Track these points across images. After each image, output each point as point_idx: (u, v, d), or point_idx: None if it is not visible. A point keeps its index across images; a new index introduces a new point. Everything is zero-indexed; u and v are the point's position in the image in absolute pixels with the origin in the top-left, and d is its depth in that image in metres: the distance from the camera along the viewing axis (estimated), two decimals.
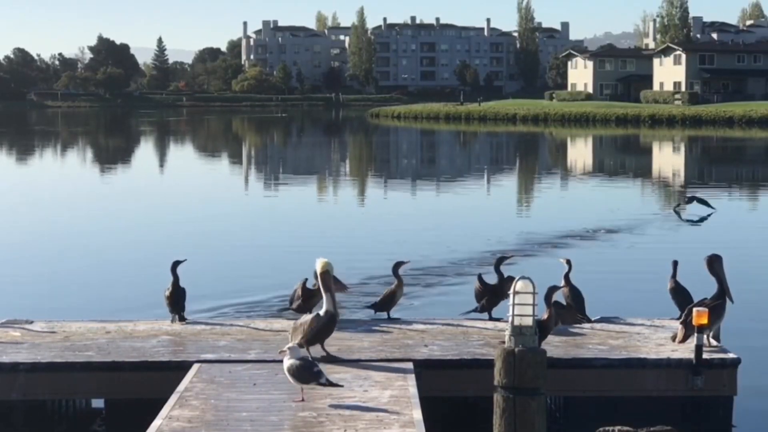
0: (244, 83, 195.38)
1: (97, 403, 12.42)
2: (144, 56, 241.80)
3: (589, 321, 13.04)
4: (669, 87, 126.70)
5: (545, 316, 11.16)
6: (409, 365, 11.19)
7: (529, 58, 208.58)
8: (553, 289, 11.69)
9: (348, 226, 30.42)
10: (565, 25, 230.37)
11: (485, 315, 13.49)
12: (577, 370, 11.45)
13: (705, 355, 11.26)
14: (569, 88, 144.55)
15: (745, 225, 30.87)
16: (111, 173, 53.51)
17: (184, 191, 41.94)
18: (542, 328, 10.53)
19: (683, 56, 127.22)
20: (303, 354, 10.31)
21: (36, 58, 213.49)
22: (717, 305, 11.64)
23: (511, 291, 8.93)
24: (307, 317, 11.37)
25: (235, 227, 29.70)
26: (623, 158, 65.30)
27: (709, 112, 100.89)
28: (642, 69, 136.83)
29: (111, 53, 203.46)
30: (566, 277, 13.19)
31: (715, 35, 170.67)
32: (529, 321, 8.75)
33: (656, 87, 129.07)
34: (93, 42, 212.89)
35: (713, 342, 11.82)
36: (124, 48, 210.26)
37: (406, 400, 9.95)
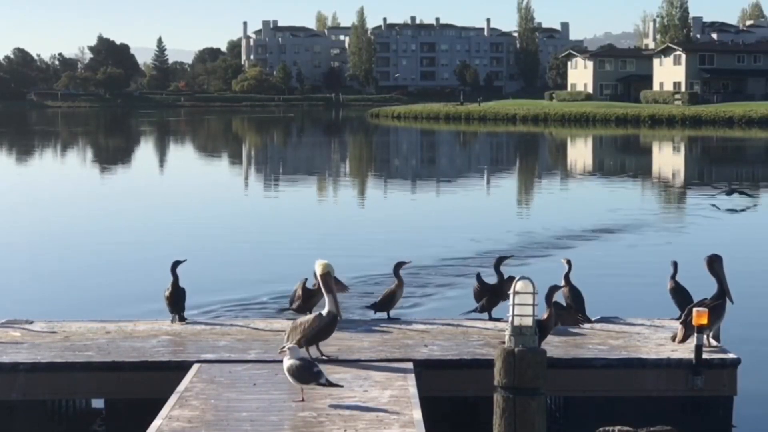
0: (244, 83, 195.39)
1: (97, 403, 12.42)
2: (144, 56, 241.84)
3: (589, 321, 13.04)
4: (669, 87, 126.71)
5: (545, 316, 11.16)
6: (409, 365, 11.18)
7: (529, 58, 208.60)
8: (554, 289, 11.68)
9: (348, 226, 30.42)
10: (565, 25, 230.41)
11: (485, 315, 13.49)
12: (577, 370, 11.45)
13: (705, 355, 11.25)
14: (569, 88, 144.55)
15: (745, 225, 30.87)
16: (111, 173, 53.52)
17: (184, 191, 41.95)
18: (542, 328, 10.53)
19: (683, 56, 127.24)
20: (302, 354, 10.31)
21: (36, 58, 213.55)
22: (717, 305, 11.64)
23: (511, 291, 8.93)
24: (308, 316, 11.37)
25: (235, 227, 29.71)
26: (623, 158, 65.31)
27: (709, 112, 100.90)
28: (642, 69, 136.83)
29: (111, 53, 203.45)
30: (566, 277, 13.18)
31: (715, 35, 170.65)
32: (529, 321, 8.75)
33: (656, 87, 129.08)
34: (93, 42, 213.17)
35: (713, 342, 11.82)
36: (124, 48, 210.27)
37: (406, 400, 9.95)
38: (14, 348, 11.93)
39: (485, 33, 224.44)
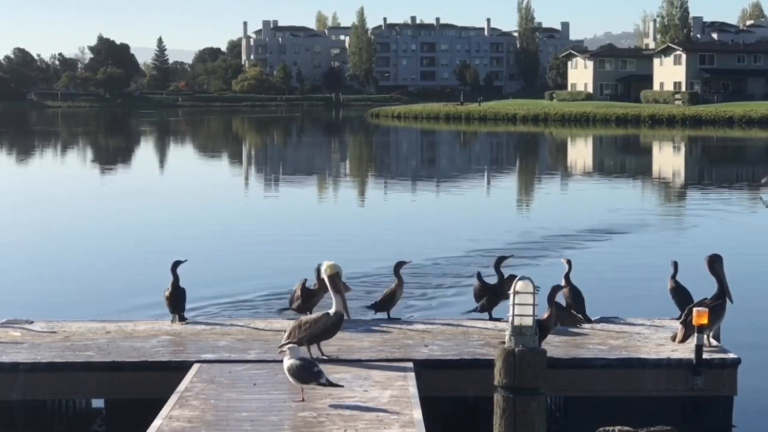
0: (244, 83, 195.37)
1: (97, 403, 12.42)
2: (144, 56, 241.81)
3: (589, 321, 13.03)
4: (669, 87, 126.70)
5: (546, 316, 11.16)
6: (409, 365, 11.19)
7: (529, 58, 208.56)
8: (556, 289, 11.67)
9: (347, 226, 30.42)
10: (565, 25, 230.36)
11: (485, 315, 13.49)
12: (577, 370, 11.45)
13: (705, 355, 11.26)
14: (569, 88, 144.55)
15: (745, 225, 30.87)
16: (111, 173, 53.52)
17: (184, 191, 41.95)
18: (542, 328, 10.53)
19: (683, 56, 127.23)
20: (303, 354, 10.31)
21: (36, 58, 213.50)
22: (717, 305, 11.64)
23: (511, 291, 8.93)
24: (314, 315, 11.36)
25: (234, 227, 29.71)
26: (623, 158, 65.31)
27: (709, 112, 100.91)
28: (642, 69, 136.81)
29: (111, 53, 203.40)
30: (566, 277, 13.18)
31: (715, 35, 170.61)
32: (529, 321, 8.75)
33: (656, 87, 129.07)
34: (93, 42, 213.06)
35: (713, 342, 11.82)
36: (124, 48, 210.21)
37: (406, 400, 9.95)
38: (14, 348, 11.93)
39: (485, 33, 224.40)
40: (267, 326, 13.07)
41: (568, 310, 12.73)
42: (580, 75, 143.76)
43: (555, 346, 11.73)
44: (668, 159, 64.57)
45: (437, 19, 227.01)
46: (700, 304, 11.62)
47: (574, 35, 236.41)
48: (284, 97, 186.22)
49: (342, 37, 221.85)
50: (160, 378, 11.12)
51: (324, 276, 11.32)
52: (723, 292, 11.74)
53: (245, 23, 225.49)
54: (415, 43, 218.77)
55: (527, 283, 8.93)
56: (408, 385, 10.46)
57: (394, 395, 10.11)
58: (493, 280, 13.51)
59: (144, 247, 25.54)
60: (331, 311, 11.09)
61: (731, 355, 11.51)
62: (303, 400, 9.86)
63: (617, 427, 8.73)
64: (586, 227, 28.53)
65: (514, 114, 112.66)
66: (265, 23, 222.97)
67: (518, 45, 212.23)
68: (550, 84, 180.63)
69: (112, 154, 72.23)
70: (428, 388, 10.79)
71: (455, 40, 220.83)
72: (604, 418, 9.99)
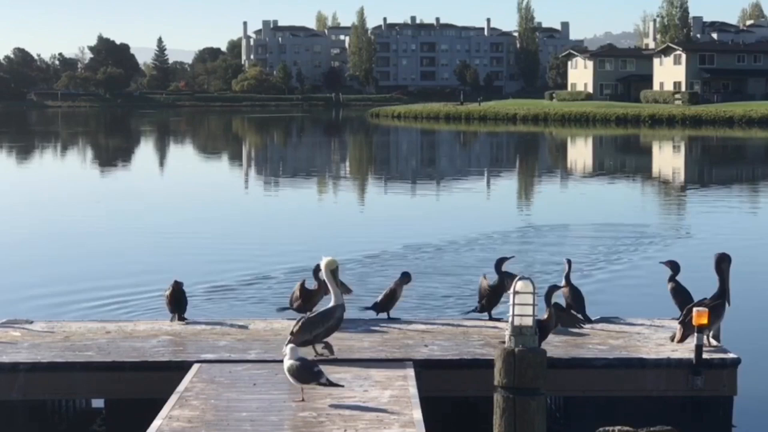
0: (244, 83, 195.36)
1: (97, 403, 12.43)
2: (144, 56, 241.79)
3: (589, 321, 13.03)
4: (669, 87, 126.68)
5: (545, 316, 11.16)
6: (409, 365, 11.19)
7: (529, 58, 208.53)
8: (553, 289, 11.70)
9: (347, 226, 30.42)
10: (565, 25, 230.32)
11: (485, 315, 13.49)
12: (577, 370, 11.45)
13: (705, 355, 11.25)
14: (569, 88, 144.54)
15: (745, 225, 30.86)
16: (111, 173, 53.52)
17: (184, 191, 41.95)
18: (542, 328, 10.53)
19: (683, 56, 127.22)
20: (302, 354, 10.32)
21: (36, 58, 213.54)
22: (717, 305, 11.63)
23: (511, 291, 8.93)
24: (318, 316, 11.33)
25: (234, 227, 29.72)
26: (623, 158, 65.32)
27: (709, 112, 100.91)
28: (642, 69, 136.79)
29: (111, 53, 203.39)
30: (566, 277, 13.18)
31: (715, 35, 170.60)
32: (529, 321, 8.74)
33: (656, 87, 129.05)
34: (93, 42, 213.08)
35: (713, 342, 11.82)
36: (124, 48, 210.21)
37: (406, 400, 9.95)
38: (14, 348, 11.93)
39: (485, 33, 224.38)
40: (267, 326, 13.07)
41: (568, 310, 12.72)
42: (580, 75, 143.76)
43: (555, 346, 11.73)
44: (668, 159, 64.57)
45: (437, 19, 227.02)
46: (700, 303, 11.62)
47: (574, 35, 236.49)
48: (297, 96, 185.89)
49: (342, 37, 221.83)
50: (160, 378, 11.12)
51: (322, 270, 11.35)
52: (723, 292, 11.73)
53: (245, 23, 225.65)
54: (415, 43, 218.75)
55: (527, 283, 8.92)
56: (408, 385, 10.46)
57: (394, 395, 10.11)
58: (494, 281, 13.50)
59: (144, 247, 25.53)
60: (332, 305, 11.14)
61: (731, 355, 11.51)
62: (303, 400, 9.87)
63: (617, 427, 8.72)
64: (586, 227, 28.51)
65: (514, 114, 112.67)
66: (265, 23, 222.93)
67: (518, 45, 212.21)
68: (550, 84, 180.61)
69: (112, 154, 72.23)
70: (428, 388, 10.79)
71: (455, 40, 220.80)
72: (604, 418, 9.99)
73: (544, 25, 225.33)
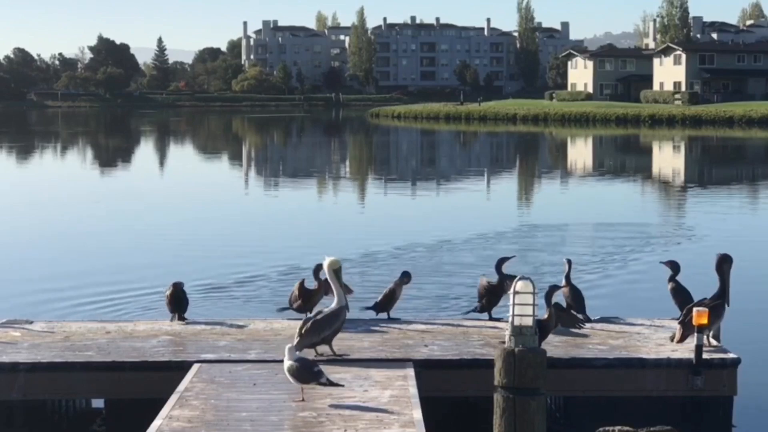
0: (244, 83, 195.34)
1: (97, 403, 12.42)
2: (144, 56, 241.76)
3: (589, 321, 13.03)
4: (669, 87, 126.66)
5: (546, 316, 11.16)
6: (409, 365, 11.19)
7: (529, 58, 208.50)
8: (553, 289, 11.70)
9: (347, 226, 30.42)
10: (565, 25, 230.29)
11: (485, 315, 13.49)
12: (577, 370, 11.45)
13: (705, 355, 11.25)
14: (569, 88, 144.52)
15: (744, 225, 30.86)
16: (111, 173, 53.52)
17: (184, 191, 41.95)
18: (542, 328, 10.53)
19: (683, 56, 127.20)
20: (302, 354, 10.33)
21: (36, 58, 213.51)
22: (716, 305, 11.63)
23: (511, 291, 8.93)
24: (325, 314, 11.30)
25: (234, 227, 29.72)
26: (623, 158, 65.32)
27: (709, 112, 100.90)
28: (642, 69, 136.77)
29: (111, 53, 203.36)
30: (567, 277, 13.19)
31: (715, 35, 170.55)
32: (529, 321, 8.75)
33: (656, 87, 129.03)
34: (93, 42, 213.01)
35: (713, 342, 11.82)
36: (124, 48, 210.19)
37: (406, 400, 9.95)
38: (14, 348, 11.93)
39: (485, 33, 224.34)
40: (267, 326, 13.07)
41: (568, 310, 12.72)
42: (580, 75, 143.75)
43: (555, 346, 11.73)
44: (668, 159, 64.57)
45: (437, 19, 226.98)
46: (700, 303, 11.62)
47: (574, 35, 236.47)
48: (301, 97, 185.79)
49: (342, 37, 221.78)
50: (160, 378, 11.12)
51: (325, 270, 11.35)
52: (723, 292, 11.73)
53: (245, 23, 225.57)
54: (415, 43, 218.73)
55: (527, 283, 8.93)
56: (408, 385, 10.46)
57: (394, 395, 10.11)
58: (494, 281, 13.49)
59: (144, 247, 25.54)
60: (335, 306, 11.17)
61: (731, 355, 11.51)
62: (303, 400, 9.87)
63: (617, 427, 8.72)
64: (586, 227, 28.51)
65: (514, 114, 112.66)
66: (265, 23, 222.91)
67: (518, 45, 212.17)
68: (550, 84, 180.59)
69: (112, 154, 72.23)
70: (428, 388, 10.79)
71: (455, 40, 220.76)
72: (604, 418, 9.98)
73: (544, 25, 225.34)
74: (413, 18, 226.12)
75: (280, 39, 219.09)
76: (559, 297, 12.49)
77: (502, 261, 13.54)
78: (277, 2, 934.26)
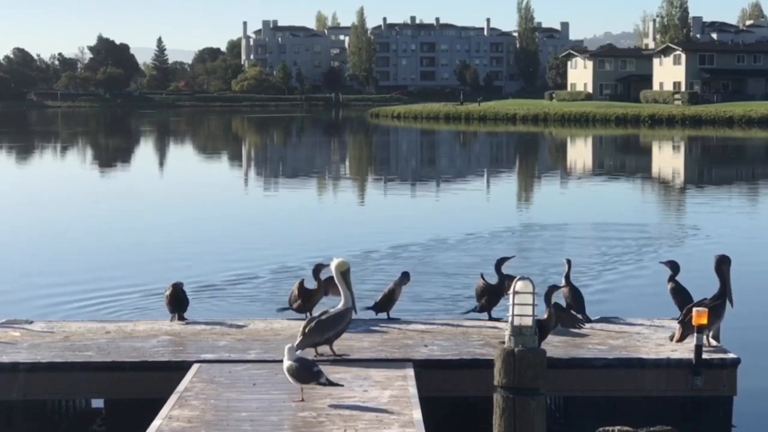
0: (244, 83, 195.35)
1: (97, 403, 12.42)
2: (144, 56, 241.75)
3: (589, 321, 13.03)
4: (669, 87, 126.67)
5: (545, 316, 11.16)
6: (409, 365, 11.19)
7: (529, 58, 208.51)
8: (553, 289, 11.69)
9: (346, 226, 30.42)
10: (565, 25, 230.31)
11: (485, 315, 13.49)
12: (577, 370, 11.45)
13: (705, 355, 11.25)
14: (569, 88, 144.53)
15: (744, 225, 30.85)
16: (111, 173, 53.52)
17: (184, 191, 41.95)
18: (542, 328, 10.53)
19: (683, 56, 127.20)
20: (301, 354, 10.33)
21: (36, 58, 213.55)
22: (716, 305, 11.63)
23: (511, 291, 8.93)
24: (331, 314, 11.30)
25: (234, 227, 29.72)
26: (623, 158, 65.31)
27: (709, 112, 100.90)
28: (642, 69, 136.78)
29: (111, 53, 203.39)
30: (566, 277, 13.18)
31: (715, 35, 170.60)
32: (529, 321, 8.75)
33: (656, 87, 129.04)
34: (93, 42, 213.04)
35: (713, 342, 11.82)
36: (124, 48, 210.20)
37: (405, 400, 9.95)
38: (14, 348, 11.93)
39: (485, 33, 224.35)
40: (267, 326, 13.07)
41: (568, 310, 12.72)
42: (580, 75, 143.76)
43: (555, 346, 11.73)
44: (668, 159, 64.57)
45: (437, 19, 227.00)
46: (700, 304, 11.62)
47: (573, 35, 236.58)
48: (304, 96, 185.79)
49: (342, 37, 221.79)
50: (159, 378, 11.12)
51: (333, 272, 11.34)
52: (723, 293, 11.73)
53: (245, 23, 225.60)
54: (414, 43, 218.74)
55: (527, 283, 8.92)
56: (408, 385, 10.46)
57: (393, 395, 10.11)
58: (493, 280, 13.50)
59: (144, 247, 25.54)
60: (340, 306, 11.18)
61: (731, 355, 11.51)
62: (303, 400, 9.87)
63: (617, 427, 8.72)
64: (586, 227, 28.50)
65: (513, 114, 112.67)
66: (265, 23, 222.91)
67: (518, 45, 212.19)
68: (550, 84, 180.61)
69: (112, 154, 72.23)
70: (428, 388, 10.79)
71: (455, 40, 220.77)
72: (604, 418, 9.99)
73: (544, 25, 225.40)
74: (413, 18, 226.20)
75: (279, 39, 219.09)
76: (559, 297, 12.48)
77: (501, 261, 13.54)
78: (277, 2, 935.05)
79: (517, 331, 8.71)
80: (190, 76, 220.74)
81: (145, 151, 75.64)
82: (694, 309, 11.29)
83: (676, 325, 12.23)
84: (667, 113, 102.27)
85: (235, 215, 32.88)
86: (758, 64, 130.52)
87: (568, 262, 13.38)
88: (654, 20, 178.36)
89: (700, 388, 11.29)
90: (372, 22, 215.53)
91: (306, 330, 11.16)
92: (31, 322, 13.22)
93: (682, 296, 12.76)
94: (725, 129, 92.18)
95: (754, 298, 18.58)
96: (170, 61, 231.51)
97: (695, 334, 11.21)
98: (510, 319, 8.80)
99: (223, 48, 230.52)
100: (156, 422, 9.30)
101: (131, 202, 36.87)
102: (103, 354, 11.68)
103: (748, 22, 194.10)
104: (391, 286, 13.65)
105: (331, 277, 12.99)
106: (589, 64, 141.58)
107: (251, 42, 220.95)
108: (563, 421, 12.05)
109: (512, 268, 13.58)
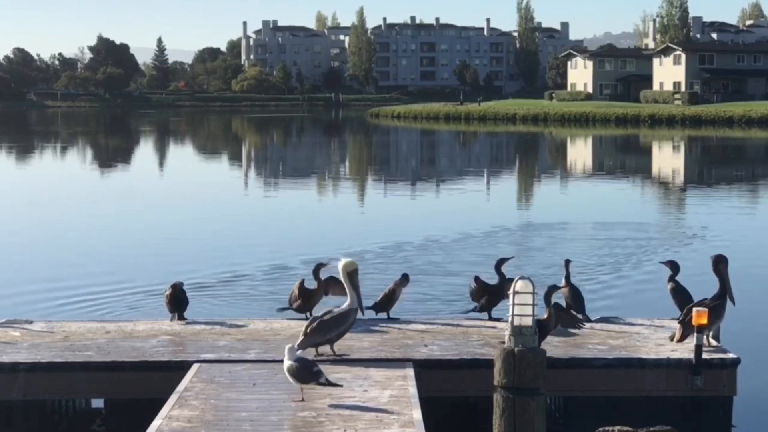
0: (244, 83, 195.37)
1: (97, 403, 12.42)
2: (144, 56, 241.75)
3: (588, 321, 13.03)
4: (669, 87, 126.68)
5: (545, 316, 11.16)
6: (409, 365, 11.19)
7: (529, 58, 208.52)
8: (552, 289, 11.69)
9: (346, 226, 30.42)
10: (565, 25, 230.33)
11: (485, 315, 13.49)
12: (577, 370, 11.45)
13: (705, 355, 11.25)
14: (569, 88, 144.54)
15: (744, 225, 30.85)
16: (111, 173, 53.51)
17: (184, 191, 41.95)
18: (542, 328, 10.53)
19: (683, 56, 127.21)
20: (302, 354, 10.33)
21: (36, 58, 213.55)
22: (717, 305, 11.63)
23: (511, 291, 8.93)
24: (334, 315, 11.29)
25: (234, 227, 29.72)
26: (623, 158, 65.31)
27: (708, 112, 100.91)
28: (642, 69, 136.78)
29: (111, 53, 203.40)
30: (566, 277, 13.18)
31: (715, 35, 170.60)
32: (529, 321, 8.75)
33: (656, 87, 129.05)
34: (93, 42, 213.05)
35: (713, 342, 11.82)
36: (124, 48, 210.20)
37: (405, 400, 9.95)
38: (14, 348, 11.93)
39: (485, 33, 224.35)
40: (267, 326, 13.07)
41: (568, 310, 12.72)
42: (580, 75, 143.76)
43: (555, 346, 11.73)
44: (668, 159, 64.57)
45: (437, 19, 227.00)
46: (700, 304, 11.62)
47: (573, 35, 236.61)
48: (307, 96, 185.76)
49: (342, 37, 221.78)
50: (159, 378, 11.12)
51: (340, 272, 11.33)
52: (723, 293, 11.73)
53: (245, 23, 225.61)
54: (414, 43, 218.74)
55: (527, 283, 8.92)
56: (408, 385, 10.46)
57: (393, 395, 10.11)
58: (493, 280, 13.50)
59: (144, 247, 25.53)
60: (345, 306, 11.18)
61: (731, 355, 11.51)
62: (303, 400, 9.87)
63: (617, 427, 8.72)
64: (586, 227, 28.50)
65: (513, 114, 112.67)
66: (265, 23, 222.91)
67: (518, 45, 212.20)
68: (550, 84, 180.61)
69: (112, 154, 72.22)
70: (428, 388, 10.79)
71: (455, 40, 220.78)
72: (604, 418, 9.99)
73: (544, 25, 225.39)
74: (413, 18, 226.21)
75: (279, 39, 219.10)
76: (559, 297, 12.48)
77: (501, 261, 13.54)
78: (277, 2, 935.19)
79: (517, 331, 8.71)
80: (190, 76, 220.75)
81: (145, 151, 75.64)
82: (694, 309, 11.29)
83: (676, 325, 12.23)
84: (667, 113, 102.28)
85: (235, 215, 32.88)
86: (758, 64, 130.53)
87: (568, 262, 13.38)
88: (654, 20, 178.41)
89: (700, 388, 11.29)
90: (372, 22, 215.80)
91: (308, 330, 11.16)
92: (31, 322, 13.22)
93: (682, 296, 12.76)
94: (725, 129, 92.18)
95: (754, 298, 18.58)
96: (170, 61, 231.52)
97: (695, 334, 11.21)
98: (510, 319, 8.80)
99: (223, 48, 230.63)
100: (156, 422, 9.30)
101: (131, 202, 36.87)
102: (103, 354, 11.68)
103: (748, 22, 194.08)
104: (391, 286, 13.66)
105: (332, 277, 13.03)
106: (589, 64, 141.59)
107: (251, 42, 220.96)
108: (563, 421, 12.05)
109: (512, 268, 13.58)
